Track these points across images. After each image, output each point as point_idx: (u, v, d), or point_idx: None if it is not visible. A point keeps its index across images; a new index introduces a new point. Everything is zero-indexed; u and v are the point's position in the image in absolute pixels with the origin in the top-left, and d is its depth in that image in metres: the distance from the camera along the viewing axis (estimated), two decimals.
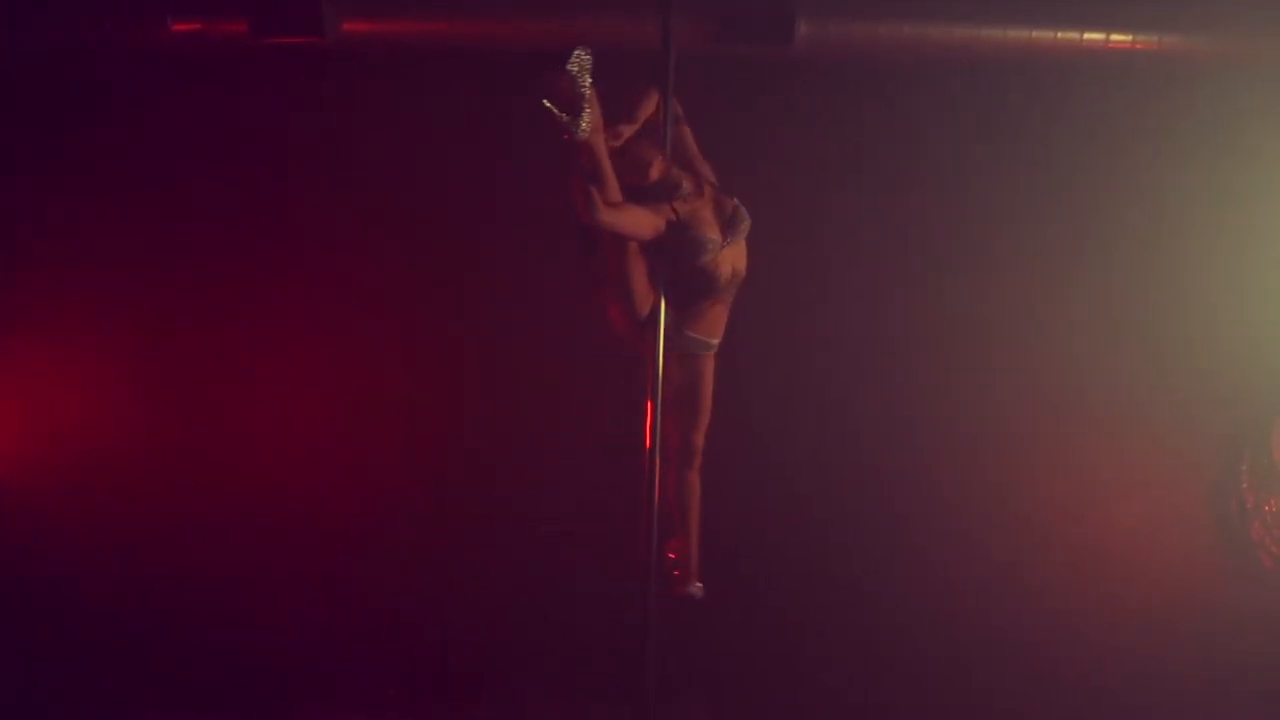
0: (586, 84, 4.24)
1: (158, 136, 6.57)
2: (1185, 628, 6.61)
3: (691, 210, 4.75)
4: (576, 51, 4.23)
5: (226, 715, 6.46)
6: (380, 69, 6.48)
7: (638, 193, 4.69)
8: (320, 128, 6.53)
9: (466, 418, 6.73)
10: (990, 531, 6.72)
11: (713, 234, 4.73)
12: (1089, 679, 6.58)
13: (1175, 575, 6.70)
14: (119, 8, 6.14)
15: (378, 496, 6.68)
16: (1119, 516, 6.77)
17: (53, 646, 6.47)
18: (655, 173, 4.71)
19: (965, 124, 6.67)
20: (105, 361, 6.64)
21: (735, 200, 4.85)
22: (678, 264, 4.76)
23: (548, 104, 4.24)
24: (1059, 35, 6.26)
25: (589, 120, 4.28)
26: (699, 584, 5.30)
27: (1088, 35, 6.27)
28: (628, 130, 4.84)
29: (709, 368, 5.03)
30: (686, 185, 4.77)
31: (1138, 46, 6.27)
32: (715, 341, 5.00)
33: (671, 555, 5.27)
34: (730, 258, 4.84)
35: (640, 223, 4.61)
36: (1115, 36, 6.26)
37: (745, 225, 4.84)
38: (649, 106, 4.92)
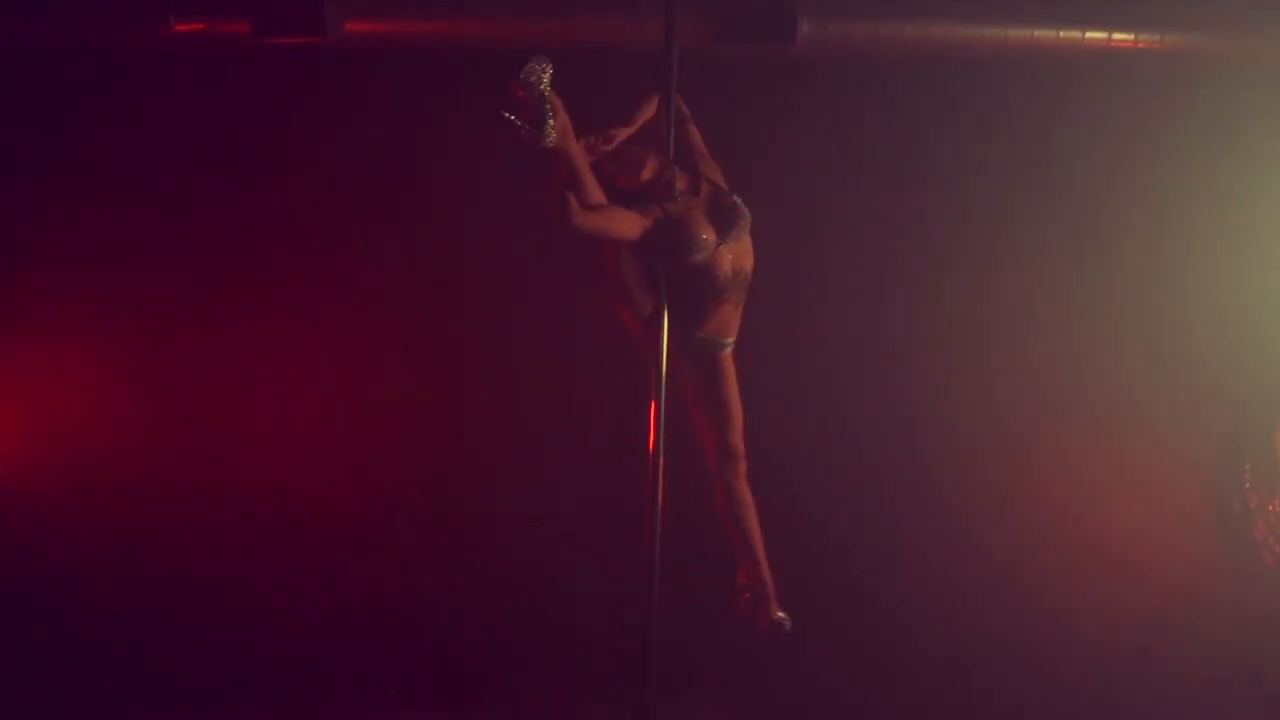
0: (546, 91, 4.25)
1: (158, 136, 6.57)
2: (1185, 628, 6.62)
3: (685, 210, 4.72)
4: (531, 62, 4.24)
5: (226, 715, 6.46)
6: (381, 69, 6.48)
7: (630, 194, 4.68)
8: (320, 127, 6.52)
9: (466, 418, 6.72)
10: (990, 531, 6.72)
11: (706, 233, 4.71)
12: (1089, 679, 6.58)
13: (1175, 575, 6.70)
14: (121, 8, 6.14)
15: (378, 496, 6.67)
16: (1119, 516, 6.77)
17: (53, 646, 6.47)
18: (648, 173, 4.70)
19: (966, 124, 6.67)
20: (105, 361, 6.63)
21: (734, 199, 4.82)
22: (675, 264, 4.75)
23: (508, 115, 4.25)
24: (1061, 34, 6.26)
25: (553, 127, 4.29)
26: (781, 613, 5.05)
27: (1089, 34, 6.27)
28: (624, 133, 4.83)
29: (726, 367, 4.93)
30: (680, 184, 4.75)
31: (1140, 45, 6.27)
32: (728, 340, 4.92)
33: (742, 582, 5.10)
34: (730, 256, 4.80)
35: (622, 224, 4.58)
36: (1117, 36, 6.26)
37: (743, 224, 4.79)
38: (648, 110, 4.91)
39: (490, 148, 6.40)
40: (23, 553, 6.54)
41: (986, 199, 6.70)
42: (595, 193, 4.51)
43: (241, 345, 6.67)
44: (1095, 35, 6.27)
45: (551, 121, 4.28)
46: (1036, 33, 6.25)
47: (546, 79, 4.25)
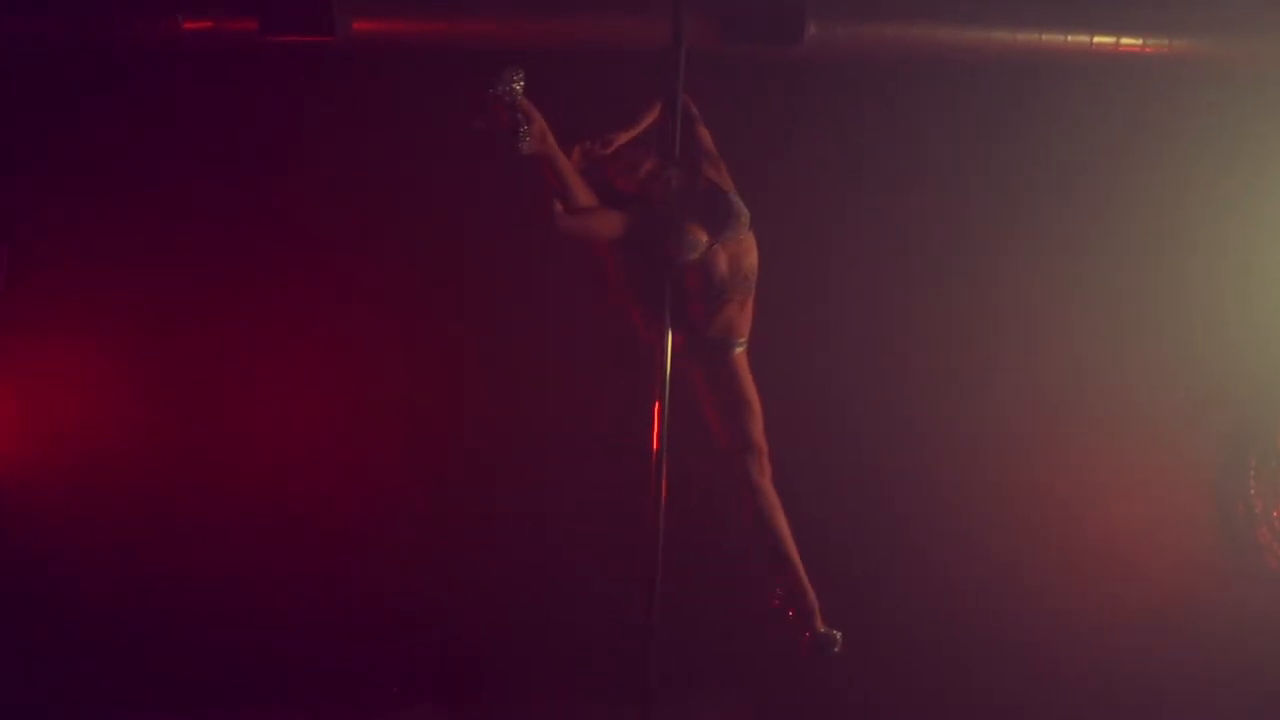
0: (518, 100, 4.28)
1: (158, 136, 6.56)
2: (1185, 628, 6.62)
3: (676, 209, 4.70)
4: (504, 70, 4.27)
5: (226, 715, 6.46)
6: (382, 68, 6.48)
7: (630, 195, 4.68)
8: (321, 128, 6.52)
9: (466, 418, 6.72)
10: (990, 531, 6.72)
11: (698, 233, 4.70)
12: (1089, 679, 6.59)
13: (1175, 575, 6.70)
14: (129, 5, 6.13)
15: (378, 496, 6.67)
16: (1119, 516, 6.77)
17: (53, 646, 6.46)
18: (646, 175, 4.70)
19: (971, 125, 6.68)
20: (105, 361, 6.62)
21: (730, 198, 4.77)
22: (668, 264, 4.73)
23: (482, 126, 4.29)
24: (1069, 39, 6.25)
25: (527, 133, 4.31)
26: (826, 628, 4.86)
27: (1098, 39, 6.26)
28: (623, 136, 4.84)
29: (740, 367, 4.90)
30: (676, 184, 4.74)
31: (1148, 50, 6.26)
32: (737, 340, 4.89)
33: (779, 594, 4.92)
34: (725, 256, 4.77)
35: (607, 225, 4.59)
36: (1126, 40, 6.25)
37: (737, 224, 4.74)
38: (650, 115, 4.91)
39: (490, 148, 6.38)
40: (23, 552, 6.53)
41: (989, 200, 6.70)
42: (583, 195, 4.52)
43: (241, 345, 6.66)
44: (1103, 40, 6.26)
45: (525, 129, 4.31)
46: (1044, 37, 6.25)
47: (519, 87, 4.28)
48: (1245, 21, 6.29)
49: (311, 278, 6.66)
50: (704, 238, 4.70)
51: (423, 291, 6.71)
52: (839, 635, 4.89)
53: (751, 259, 4.84)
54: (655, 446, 4.71)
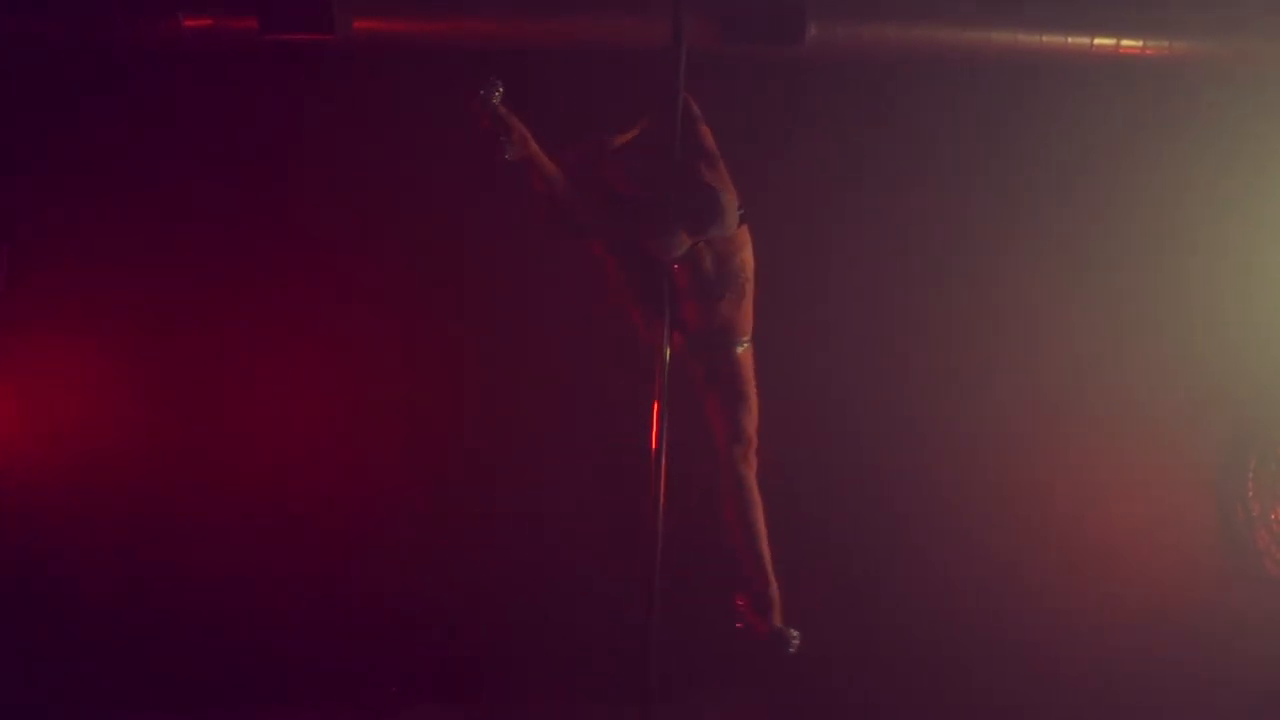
0: (498, 109, 4.50)
1: (158, 136, 6.58)
2: (1185, 628, 6.62)
3: (656, 208, 4.70)
4: (482, 87, 4.50)
5: (227, 715, 6.45)
6: (382, 68, 6.48)
7: (628, 196, 4.74)
8: (321, 128, 6.53)
9: (466, 418, 6.72)
10: (990, 531, 6.72)
11: (679, 232, 4.69)
12: (1089, 679, 6.58)
13: (1175, 575, 6.70)
14: (130, 3, 6.13)
15: (378, 496, 6.68)
16: (1119, 516, 6.77)
17: (53, 646, 6.47)
18: (640, 175, 4.75)
19: (971, 125, 6.68)
20: (105, 361, 6.63)
21: (716, 196, 4.69)
22: (651, 263, 4.74)
23: (467, 136, 4.45)
24: (1069, 40, 6.25)
25: (509, 141, 4.53)
26: (788, 630, 4.91)
27: (1098, 40, 6.26)
28: (621, 139, 4.86)
29: (741, 365, 4.91)
30: (658, 182, 4.73)
31: (1148, 52, 6.27)
32: (738, 339, 4.90)
33: (742, 590, 4.97)
34: (710, 254, 4.76)
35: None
36: (1126, 42, 6.25)
37: (721, 222, 4.69)
38: (646, 121, 4.93)
39: (490, 148, 6.39)
40: (23, 553, 6.54)
41: (989, 200, 6.71)
42: (569, 196, 4.66)
43: (241, 345, 6.67)
44: (1104, 41, 6.27)
45: (505, 138, 4.51)
46: (1045, 38, 6.25)
47: (498, 97, 4.50)
48: (1245, 22, 6.30)
49: (311, 278, 6.67)
50: (684, 236, 4.70)
51: (423, 291, 6.71)
52: (796, 634, 4.93)
53: (742, 257, 4.83)
54: (655, 446, 4.72)
